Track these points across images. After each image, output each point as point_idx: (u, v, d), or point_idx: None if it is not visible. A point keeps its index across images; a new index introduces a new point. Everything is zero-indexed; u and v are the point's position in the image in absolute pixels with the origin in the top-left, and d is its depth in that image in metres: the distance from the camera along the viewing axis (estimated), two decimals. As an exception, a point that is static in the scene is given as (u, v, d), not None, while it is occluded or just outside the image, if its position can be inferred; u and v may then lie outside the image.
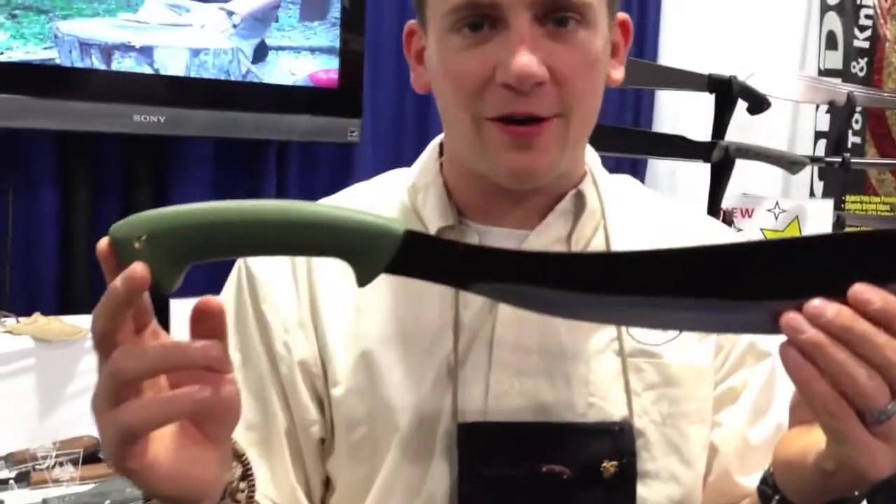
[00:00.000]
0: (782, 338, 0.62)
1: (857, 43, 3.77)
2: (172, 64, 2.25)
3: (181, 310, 2.15)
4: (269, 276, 0.91)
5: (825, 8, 3.75)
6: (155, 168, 2.41)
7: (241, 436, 0.85)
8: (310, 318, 0.89)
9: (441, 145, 0.93)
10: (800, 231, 3.05)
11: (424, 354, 0.86)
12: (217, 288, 0.99)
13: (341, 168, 2.65)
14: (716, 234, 0.98)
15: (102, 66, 2.17)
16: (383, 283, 0.87)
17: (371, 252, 0.65)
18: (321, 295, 0.89)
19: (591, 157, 0.93)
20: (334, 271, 0.88)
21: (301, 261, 0.90)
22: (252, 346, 0.89)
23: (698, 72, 2.86)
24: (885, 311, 0.60)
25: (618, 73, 0.89)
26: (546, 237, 0.88)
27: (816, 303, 0.60)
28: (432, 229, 0.88)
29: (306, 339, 0.89)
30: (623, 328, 0.86)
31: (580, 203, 0.89)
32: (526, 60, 0.76)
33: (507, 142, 0.80)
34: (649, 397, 0.86)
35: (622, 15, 0.89)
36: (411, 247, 0.65)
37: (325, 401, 0.88)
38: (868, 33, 3.78)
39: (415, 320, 0.87)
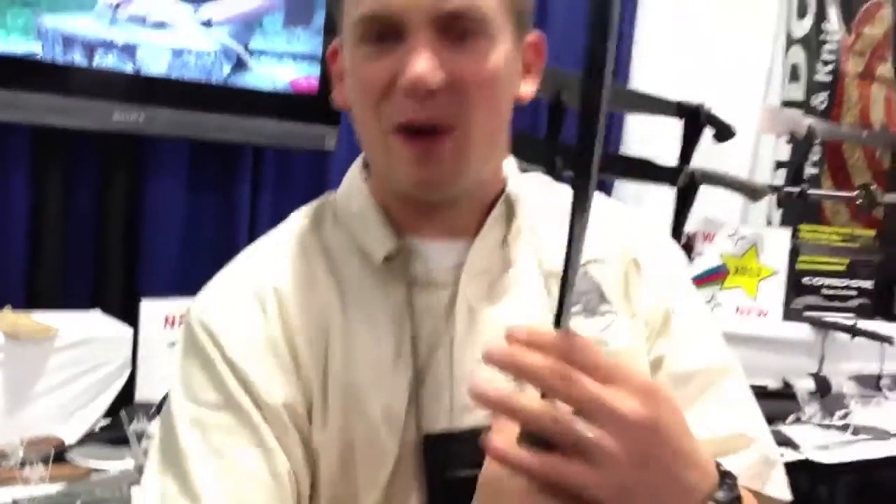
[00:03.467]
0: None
1: (818, 77, 3.87)
2: (154, 63, 2.23)
3: (152, 310, 2.13)
4: (231, 325, 0.89)
5: (791, 41, 3.84)
6: (129, 166, 2.38)
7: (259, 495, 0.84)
8: (290, 359, 0.89)
9: (366, 165, 0.97)
10: (757, 258, 3.12)
11: (390, 376, 0.88)
12: (190, 288, 0.99)
13: (316, 175, 2.65)
14: (618, 213, 1.03)
15: (84, 63, 2.15)
16: (342, 316, 0.90)
17: None
18: (296, 333, 0.89)
19: (508, 163, 0.98)
20: (306, 305, 0.90)
21: (271, 299, 0.90)
22: (236, 396, 0.86)
23: (668, 98, 2.92)
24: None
25: (527, 89, 0.92)
26: (487, 243, 0.93)
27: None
28: (378, 257, 0.91)
29: (289, 383, 0.88)
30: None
31: (510, 209, 0.94)
32: (421, 68, 0.81)
33: (408, 155, 0.84)
34: None
35: (534, 35, 0.93)
36: None
37: (310, 441, 0.88)
38: (830, 67, 3.88)
39: (377, 345, 0.89)
